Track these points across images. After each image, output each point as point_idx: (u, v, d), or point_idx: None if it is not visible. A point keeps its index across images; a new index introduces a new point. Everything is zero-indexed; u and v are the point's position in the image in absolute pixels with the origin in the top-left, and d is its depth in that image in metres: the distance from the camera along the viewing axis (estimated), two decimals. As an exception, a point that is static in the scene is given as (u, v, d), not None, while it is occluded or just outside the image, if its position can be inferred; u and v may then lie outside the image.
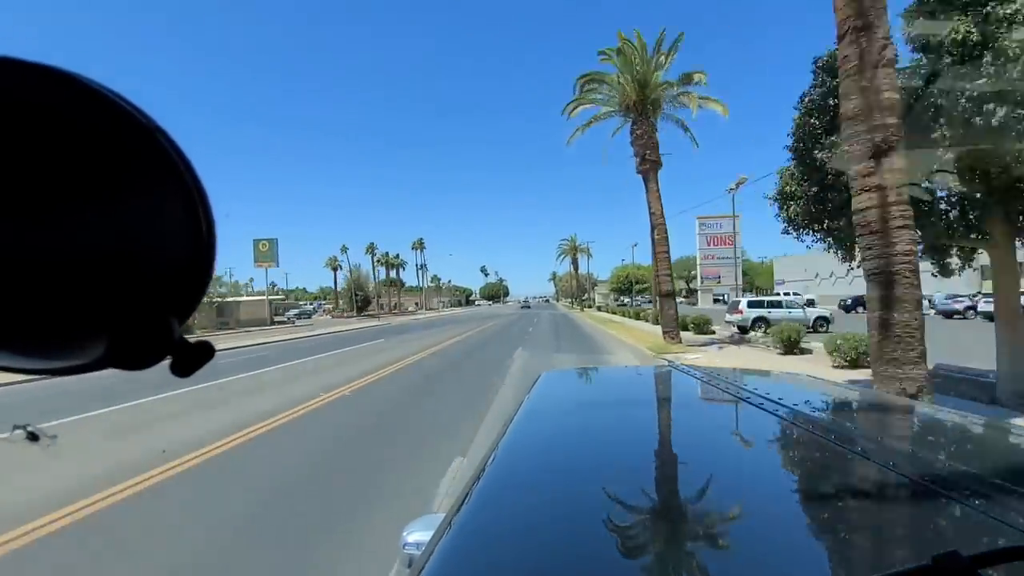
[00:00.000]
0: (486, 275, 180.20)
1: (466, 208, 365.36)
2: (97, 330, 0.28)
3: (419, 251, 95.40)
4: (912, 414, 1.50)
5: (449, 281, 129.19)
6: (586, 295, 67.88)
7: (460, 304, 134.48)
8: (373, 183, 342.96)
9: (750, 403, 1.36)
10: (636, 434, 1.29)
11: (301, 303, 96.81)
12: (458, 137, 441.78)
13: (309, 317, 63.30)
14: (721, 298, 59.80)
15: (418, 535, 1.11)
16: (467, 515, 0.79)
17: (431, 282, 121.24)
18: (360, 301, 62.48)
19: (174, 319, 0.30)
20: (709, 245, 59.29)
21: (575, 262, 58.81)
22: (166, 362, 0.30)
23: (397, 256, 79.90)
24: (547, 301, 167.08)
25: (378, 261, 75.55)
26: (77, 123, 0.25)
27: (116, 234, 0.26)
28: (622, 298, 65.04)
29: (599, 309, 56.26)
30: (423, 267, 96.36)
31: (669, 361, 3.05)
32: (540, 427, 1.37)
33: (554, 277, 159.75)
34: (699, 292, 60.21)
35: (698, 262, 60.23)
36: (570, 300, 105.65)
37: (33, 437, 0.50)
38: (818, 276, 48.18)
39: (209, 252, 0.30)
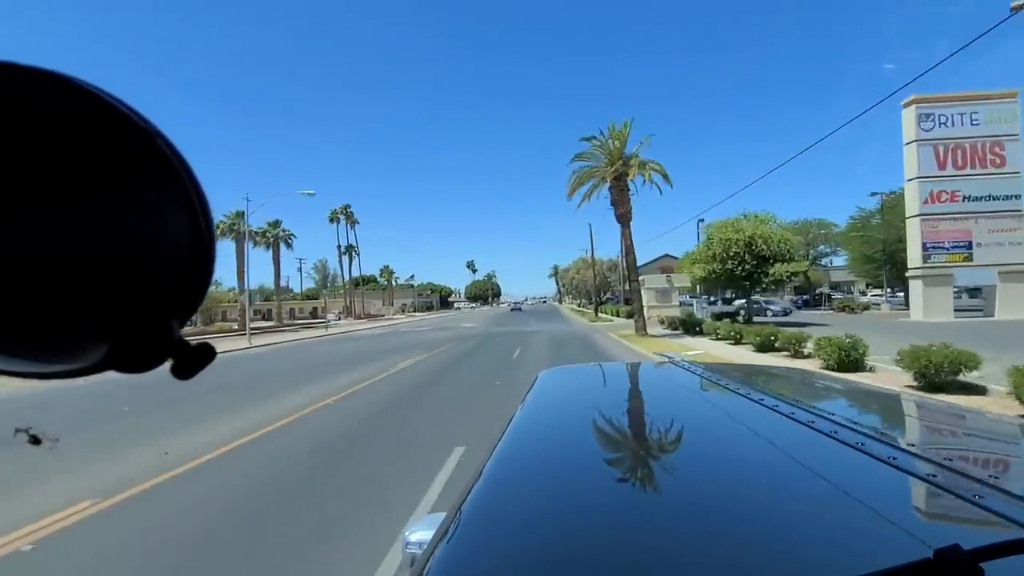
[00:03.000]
0: (474, 272, 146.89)
1: (451, 199, 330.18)
2: (97, 333, 0.27)
3: (345, 224, 60.52)
4: (913, 409, 1.48)
5: (412, 277, 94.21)
6: (600, 293, 32.74)
7: (431, 308, 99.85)
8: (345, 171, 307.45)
9: (750, 399, 1.36)
10: (636, 431, 1.30)
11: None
12: (454, 121, 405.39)
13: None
14: (972, 293, 25.06)
15: (420, 535, 1.14)
16: (468, 514, 0.80)
17: (382, 276, 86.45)
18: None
19: (174, 321, 0.30)
20: (943, 166, 24.44)
21: (619, 193, 20.04)
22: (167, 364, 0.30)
23: (276, 225, 44.21)
24: (544, 302, 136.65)
25: (221, 229, 40.97)
26: (76, 127, 0.25)
27: (116, 237, 0.26)
28: (715, 297, 30.61)
29: (678, 328, 21.42)
30: (350, 250, 61.52)
31: (669, 357, 2.51)
32: (540, 425, 1.38)
33: (555, 272, 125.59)
34: (920, 280, 25.03)
35: (912, 205, 25.23)
36: (583, 301, 70.28)
37: (35, 440, 0.39)
38: None
39: (209, 254, 0.30)
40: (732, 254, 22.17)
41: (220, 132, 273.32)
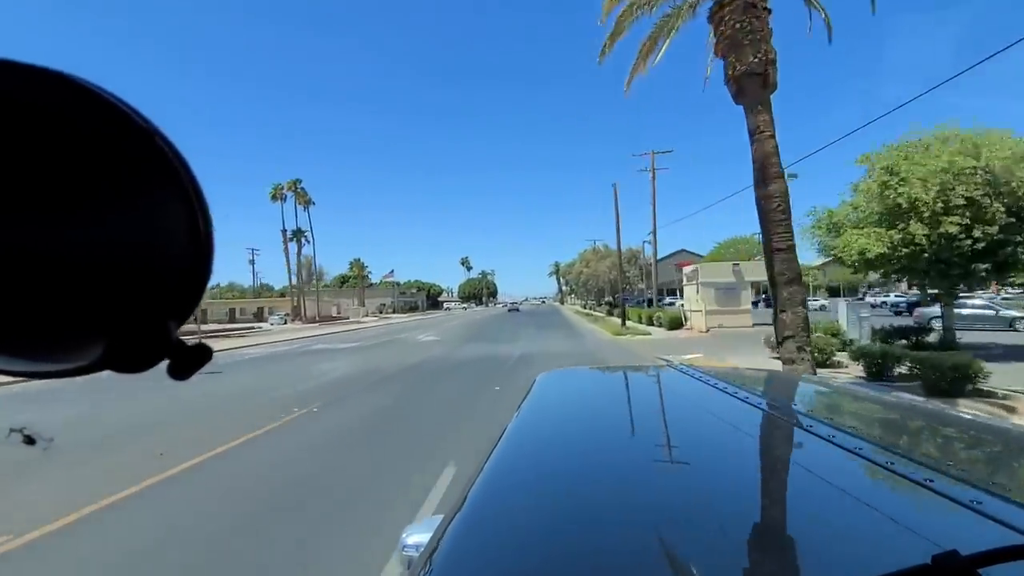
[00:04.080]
0: (468, 269, 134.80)
1: (446, 192, 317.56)
2: (95, 332, 0.27)
3: (295, 204, 48.32)
4: (911, 414, 1.47)
5: (391, 272, 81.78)
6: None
7: (415, 308, 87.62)
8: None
9: (749, 403, 1.35)
10: (634, 434, 1.30)
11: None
12: (457, 108, 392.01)
13: None
14: None
15: (417, 537, 1.14)
16: (466, 517, 0.80)
17: (352, 270, 74.19)
18: None
19: (172, 321, 0.30)
20: None
21: (743, 16, 6.98)
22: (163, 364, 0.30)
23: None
24: (543, 302, 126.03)
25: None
26: (76, 126, 0.25)
27: (114, 236, 0.26)
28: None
29: (844, 365, 9.53)
30: (298, 235, 49.27)
31: (667, 360, 2.60)
32: (538, 428, 1.38)
33: (556, 269, 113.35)
34: None
35: None
36: (590, 301, 57.84)
37: (30, 441, 0.43)
38: None
39: (207, 254, 0.30)
40: (958, 205, 9.83)
41: (179, 103, 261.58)
